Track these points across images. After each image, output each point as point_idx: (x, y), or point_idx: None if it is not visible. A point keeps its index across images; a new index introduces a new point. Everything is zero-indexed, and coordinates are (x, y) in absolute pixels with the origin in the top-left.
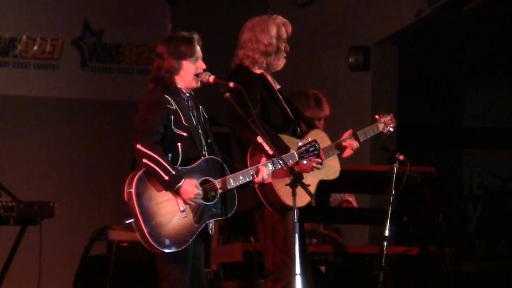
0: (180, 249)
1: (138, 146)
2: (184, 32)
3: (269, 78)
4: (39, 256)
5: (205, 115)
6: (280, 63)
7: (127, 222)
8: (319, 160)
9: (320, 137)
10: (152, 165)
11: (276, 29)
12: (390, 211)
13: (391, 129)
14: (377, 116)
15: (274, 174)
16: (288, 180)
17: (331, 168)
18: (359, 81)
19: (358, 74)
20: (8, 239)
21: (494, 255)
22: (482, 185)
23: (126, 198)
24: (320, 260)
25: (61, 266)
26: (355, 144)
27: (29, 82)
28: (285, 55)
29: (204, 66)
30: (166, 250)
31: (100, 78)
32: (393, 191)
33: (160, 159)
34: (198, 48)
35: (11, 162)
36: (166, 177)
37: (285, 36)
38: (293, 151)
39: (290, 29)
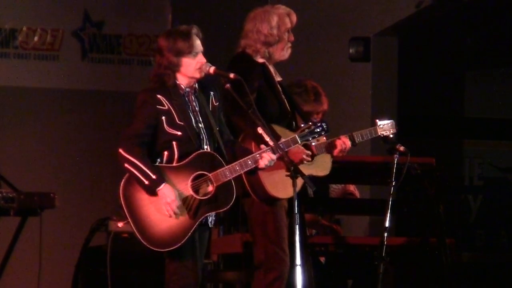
0: (176, 246)
1: (120, 150)
2: (183, 25)
3: (271, 68)
4: (40, 247)
5: (214, 103)
6: (284, 53)
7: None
8: (309, 152)
9: None
10: (132, 169)
11: (277, 19)
12: (390, 202)
13: (391, 135)
14: (377, 120)
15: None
16: (276, 171)
17: (322, 165)
18: (359, 72)
19: (358, 65)
20: (8, 230)
21: (494, 246)
22: (482, 176)
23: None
24: (320, 251)
25: (61, 257)
26: (348, 144)
27: (30, 73)
28: (289, 45)
29: (204, 61)
30: (160, 249)
31: (100, 69)
32: (394, 182)
33: (139, 163)
34: (197, 42)
35: (11, 153)
36: (146, 182)
37: (288, 26)
38: (294, 135)
39: (294, 19)
